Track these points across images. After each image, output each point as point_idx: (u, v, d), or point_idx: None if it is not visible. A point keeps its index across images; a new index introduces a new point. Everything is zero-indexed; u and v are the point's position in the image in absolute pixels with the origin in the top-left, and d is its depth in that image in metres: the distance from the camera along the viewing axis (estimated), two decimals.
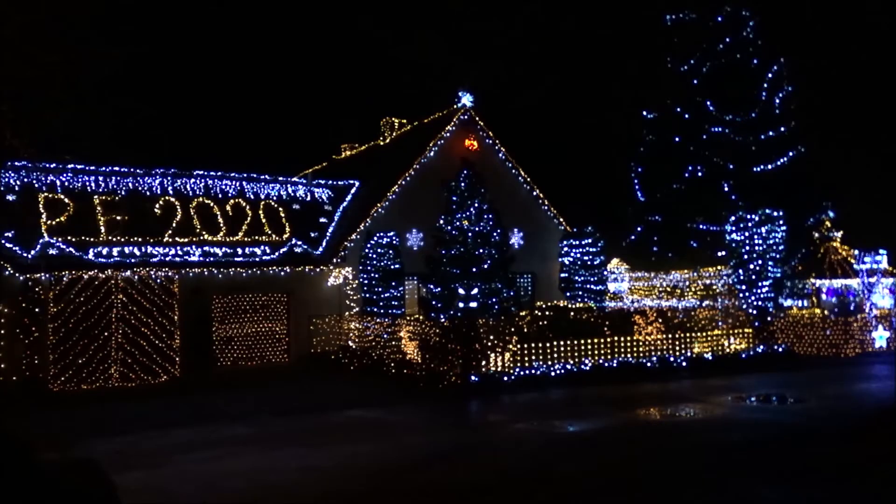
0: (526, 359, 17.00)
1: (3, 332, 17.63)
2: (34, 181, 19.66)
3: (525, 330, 17.72)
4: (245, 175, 23.32)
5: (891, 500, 8.31)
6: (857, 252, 22.97)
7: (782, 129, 28.01)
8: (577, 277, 24.77)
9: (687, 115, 28.45)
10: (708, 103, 28.12)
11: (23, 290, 17.84)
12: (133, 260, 19.72)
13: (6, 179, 19.00)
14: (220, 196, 22.38)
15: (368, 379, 18.29)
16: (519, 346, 17.06)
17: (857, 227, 24.31)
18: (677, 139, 28.56)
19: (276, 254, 22.19)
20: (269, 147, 51.40)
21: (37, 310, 17.76)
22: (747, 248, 22.23)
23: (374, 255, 21.56)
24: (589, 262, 24.65)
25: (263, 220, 22.69)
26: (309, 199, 24.41)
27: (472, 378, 16.05)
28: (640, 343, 18.43)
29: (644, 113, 30.01)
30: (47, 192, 19.68)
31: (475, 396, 15.53)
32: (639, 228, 29.80)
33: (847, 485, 8.69)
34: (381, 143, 29.92)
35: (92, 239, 19.61)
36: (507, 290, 19.10)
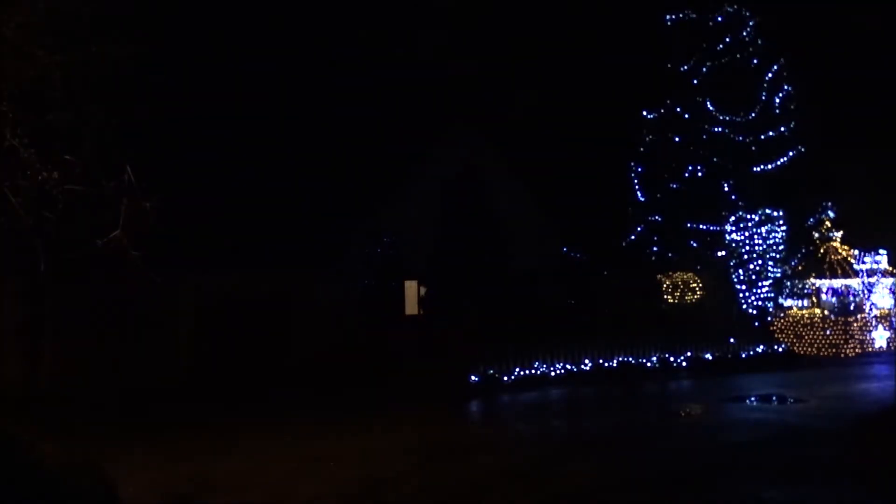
0: (526, 359, 16.99)
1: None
2: None
3: (525, 330, 17.72)
4: None
5: (891, 501, 8.30)
6: (857, 252, 22.96)
7: (782, 129, 27.98)
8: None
9: (687, 115, 28.43)
10: (708, 103, 28.11)
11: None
12: None
13: None
14: None
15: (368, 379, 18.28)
16: (519, 345, 17.04)
17: (857, 227, 24.28)
18: (677, 139, 28.55)
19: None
20: None
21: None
22: (747, 248, 22.21)
23: (376, 255, 21.56)
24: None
25: None
26: None
27: (472, 378, 16.05)
28: (641, 343, 18.40)
29: (644, 113, 29.99)
30: None
31: (475, 396, 15.53)
32: (639, 228, 29.78)
33: (847, 485, 8.68)
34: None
35: None
36: (507, 291, 19.11)
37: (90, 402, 15.49)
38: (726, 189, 27.09)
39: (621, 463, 9.77)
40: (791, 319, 22.40)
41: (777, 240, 22.17)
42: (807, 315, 22.33)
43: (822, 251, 23.34)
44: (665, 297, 26.31)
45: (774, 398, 14.71)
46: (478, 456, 10.37)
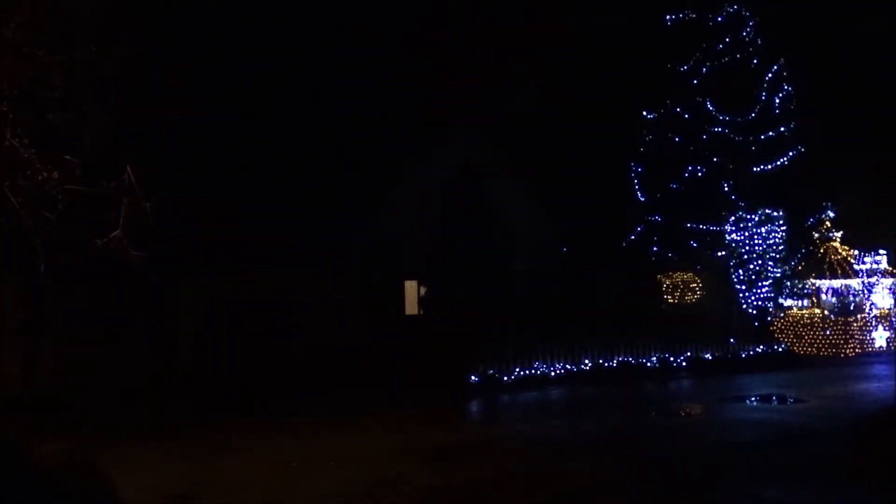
0: (526, 359, 16.99)
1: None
2: None
3: (525, 330, 17.73)
4: None
5: (891, 501, 8.30)
6: (857, 252, 22.98)
7: (782, 129, 28.00)
8: None
9: (687, 115, 28.44)
10: (708, 103, 28.11)
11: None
12: None
13: None
14: None
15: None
16: (519, 345, 17.06)
17: (857, 227, 24.31)
18: (677, 139, 28.56)
19: None
20: None
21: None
22: (747, 248, 22.21)
23: (376, 255, 21.56)
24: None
25: None
26: None
27: (472, 378, 16.06)
28: (641, 343, 18.41)
29: (644, 113, 30.01)
30: None
31: (475, 396, 15.54)
32: (639, 228, 29.80)
33: (847, 485, 8.69)
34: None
35: None
36: (507, 291, 19.12)
37: (90, 402, 15.50)
38: (726, 189, 27.12)
39: (621, 463, 9.76)
40: (791, 319, 22.40)
41: (777, 240, 22.17)
42: (807, 315, 22.34)
43: (822, 251, 23.35)
44: (665, 297, 26.31)
45: (774, 398, 14.72)
46: (478, 456, 10.37)
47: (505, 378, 16.34)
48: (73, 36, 8.09)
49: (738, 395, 14.89)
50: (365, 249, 21.85)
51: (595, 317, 19.48)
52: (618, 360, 17.80)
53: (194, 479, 9.33)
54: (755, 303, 21.85)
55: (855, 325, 21.61)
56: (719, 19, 28.49)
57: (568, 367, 17.14)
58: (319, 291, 22.70)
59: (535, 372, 16.73)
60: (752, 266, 22.13)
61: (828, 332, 21.47)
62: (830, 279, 22.68)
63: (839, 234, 23.46)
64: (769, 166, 27.51)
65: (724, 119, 28.02)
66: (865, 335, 21.86)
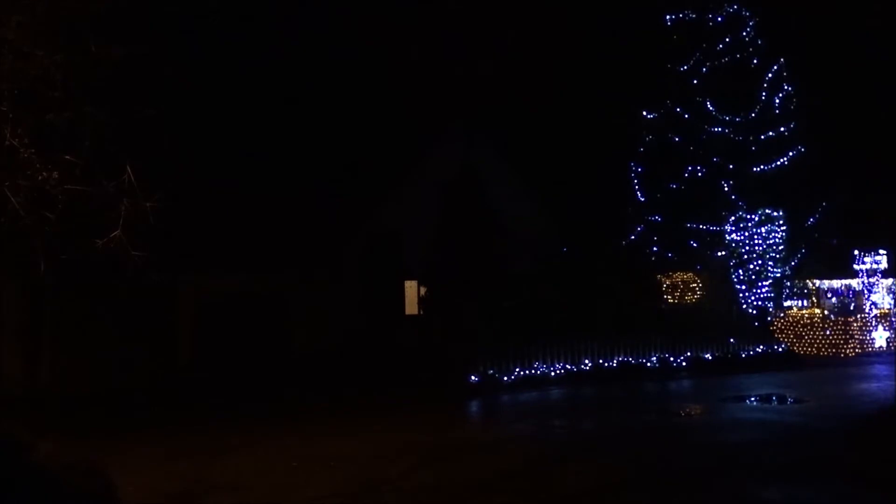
0: (526, 359, 17.00)
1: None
2: None
3: (525, 329, 17.73)
4: None
5: (891, 501, 8.31)
6: (857, 252, 22.99)
7: (782, 129, 28.03)
8: None
9: (687, 115, 28.45)
10: (708, 103, 28.13)
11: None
12: None
13: None
14: None
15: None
16: (519, 345, 17.06)
17: (857, 227, 24.31)
18: (677, 139, 28.57)
19: None
20: None
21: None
22: (747, 248, 22.22)
23: (376, 255, 21.57)
24: None
25: None
26: None
27: (472, 378, 16.06)
28: (641, 343, 18.41)
29: (644, 113, 30.01)
30: None
31: (475, 396, 15.54)
32: (639, 228, 29.81)
33: (847, 485, 8.69)
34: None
35: None
36: (507, 291, 19.12)
37: (90, 402, 15.50)
38: (726, 189, 27.13)
39: (621, 463, 9.77)
40: (791, 319, 22.41)
41: (777, 240, 22.19)
42: (807, 315, 22.35)
43: (821, 251, 23.36)
44: (665, 297, 26.31)
45: (774, 398, 14.72)
46: (478, 456, 10.38)
47: (505, 378, 16.34)
48: (73, 36, 8.08)
49: (738, 395, 14.89)
50: (365, 249, 21.85)
51: (595, 317, 19.47)
52: (618, 360, 17.81)
53: (194, 479, 9.33)
54: (755, 303, 21.87)
55: (855, 325, 21.62)
56: (719, 19, 28.50)
57: (568, 367, 17.14)
58: (319, 291, 22.71)
59: (535, 372, 16.74)
60: (752, 266, 22.15)
61: (828, 332, 21.47)
62: (830, 279, 22.69)
63: (839, 235, 23.47)
64: (769, 166, 27.52)
65: (724, 119, 28.03)
66: (865, 335, 21.87)
